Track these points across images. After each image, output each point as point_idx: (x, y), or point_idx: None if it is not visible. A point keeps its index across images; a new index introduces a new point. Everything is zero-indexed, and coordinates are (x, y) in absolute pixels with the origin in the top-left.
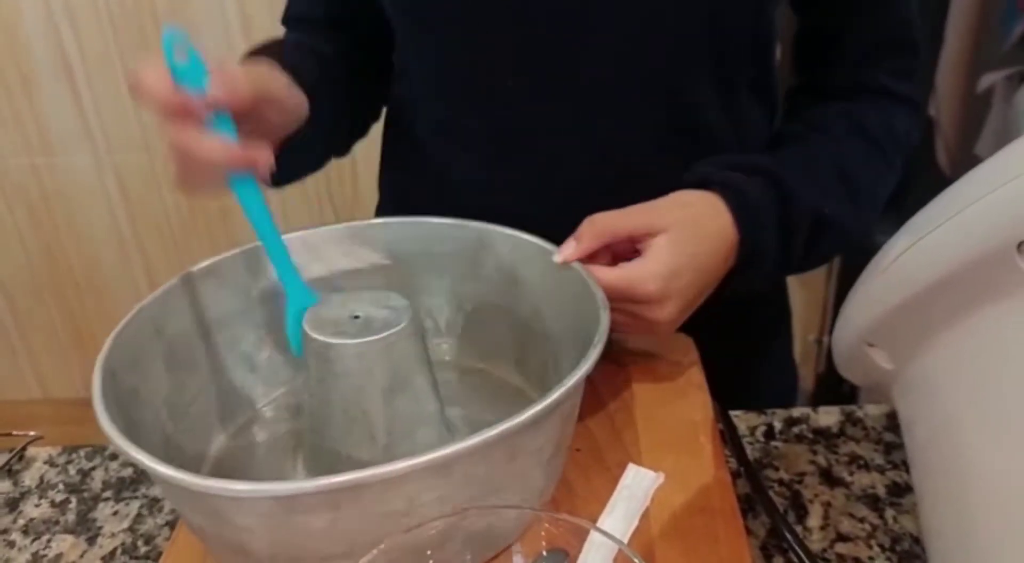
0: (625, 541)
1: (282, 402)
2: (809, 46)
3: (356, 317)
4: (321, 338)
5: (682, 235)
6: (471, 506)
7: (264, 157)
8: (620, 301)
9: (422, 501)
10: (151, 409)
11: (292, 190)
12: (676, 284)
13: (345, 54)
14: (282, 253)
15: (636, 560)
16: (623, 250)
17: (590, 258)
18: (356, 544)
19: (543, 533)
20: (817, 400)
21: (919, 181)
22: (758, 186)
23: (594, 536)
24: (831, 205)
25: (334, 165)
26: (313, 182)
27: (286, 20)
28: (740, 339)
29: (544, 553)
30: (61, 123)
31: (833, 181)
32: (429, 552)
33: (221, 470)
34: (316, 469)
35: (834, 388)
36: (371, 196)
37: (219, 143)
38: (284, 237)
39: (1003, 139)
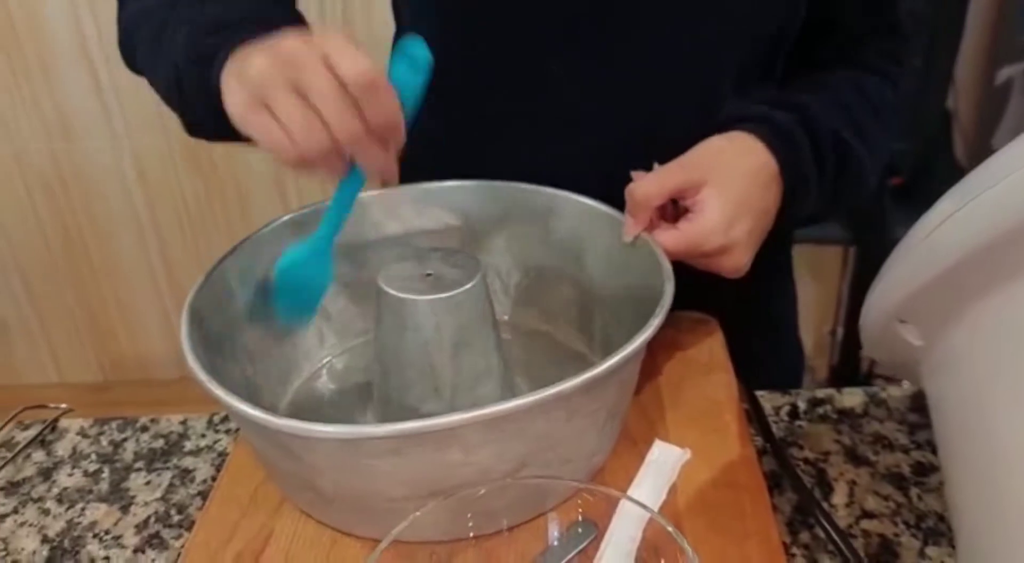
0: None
1: (356, 353)
2: (805, 29)
3: (428, 274)
4: (394, 292)
5: (724, 182)
6: (514, 478)
7: (396, 170)
8: (689, 259)
9: (479, 453)
10: (232, 353)
11: (308, 181)
12: (737, 231)
13: None
14: (336, 225)
15: (668, 527)
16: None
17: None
18: (415, 488)
19: (579, 503)
20: None
21: (936, 173)
22: (784, 115)
23: (623, 508)
24: (847, 132)
25: None
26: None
27: None
28: (741, 306)
29: (577, 524)
30: (80, 108)
31: (847, 122)
32: (469, 514)
33: (295, 413)
34: (384, 419)
35: (849, 379)
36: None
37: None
38: (363, 195)
39: (1021, 131)
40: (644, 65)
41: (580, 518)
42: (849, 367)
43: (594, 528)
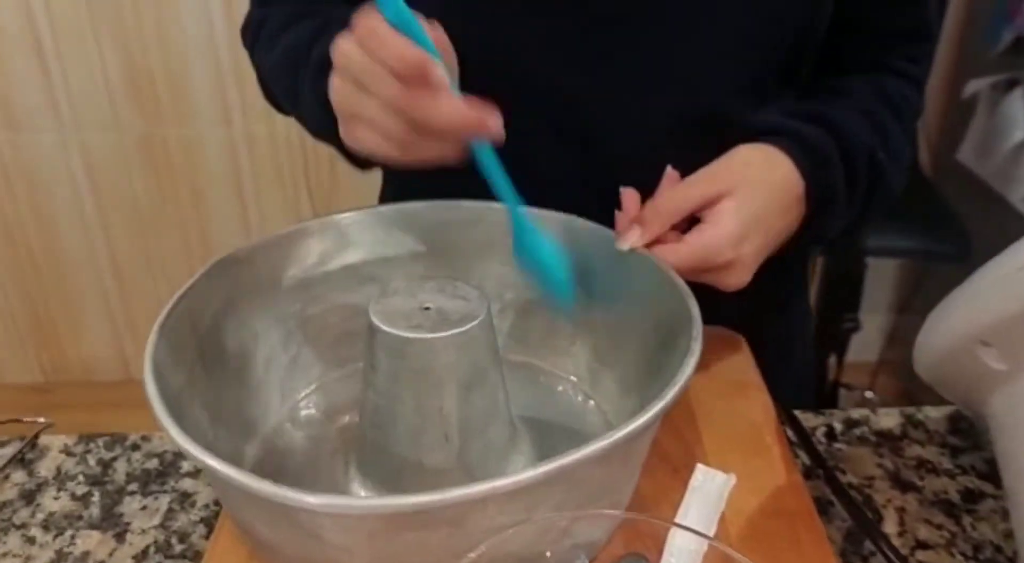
0: (706, 547)
1: (313, 400)
2: (828, 32)
3: (427, 308)
4: (396, 332)
5: (745, 197)
6: (563, 514)
7: (494, 118)
8: (693, 274)
9: (541, 510)
10: (192, 410)
11: (268, 178)
12: (747, 247)
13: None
14: (523, 218)
15: (733, 554)
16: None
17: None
18: (461, 557)
19: (623, 539)
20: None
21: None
22: (814, 131)
23: (674, 540)
24: (879, 148)
25: (311, 151)
26: (290, 168)
27: None
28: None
29: (626, 558)
30: (27, 97)
31: (873, 132)
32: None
33: (262, 475)
34: (377, 472)
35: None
36: (349, 183)
37: (455, 106)
38: (307, 223)
39: (986, 145)
40: (658, 75)
41: (635, 553)
42: (816, 376)
43: (645, 562)
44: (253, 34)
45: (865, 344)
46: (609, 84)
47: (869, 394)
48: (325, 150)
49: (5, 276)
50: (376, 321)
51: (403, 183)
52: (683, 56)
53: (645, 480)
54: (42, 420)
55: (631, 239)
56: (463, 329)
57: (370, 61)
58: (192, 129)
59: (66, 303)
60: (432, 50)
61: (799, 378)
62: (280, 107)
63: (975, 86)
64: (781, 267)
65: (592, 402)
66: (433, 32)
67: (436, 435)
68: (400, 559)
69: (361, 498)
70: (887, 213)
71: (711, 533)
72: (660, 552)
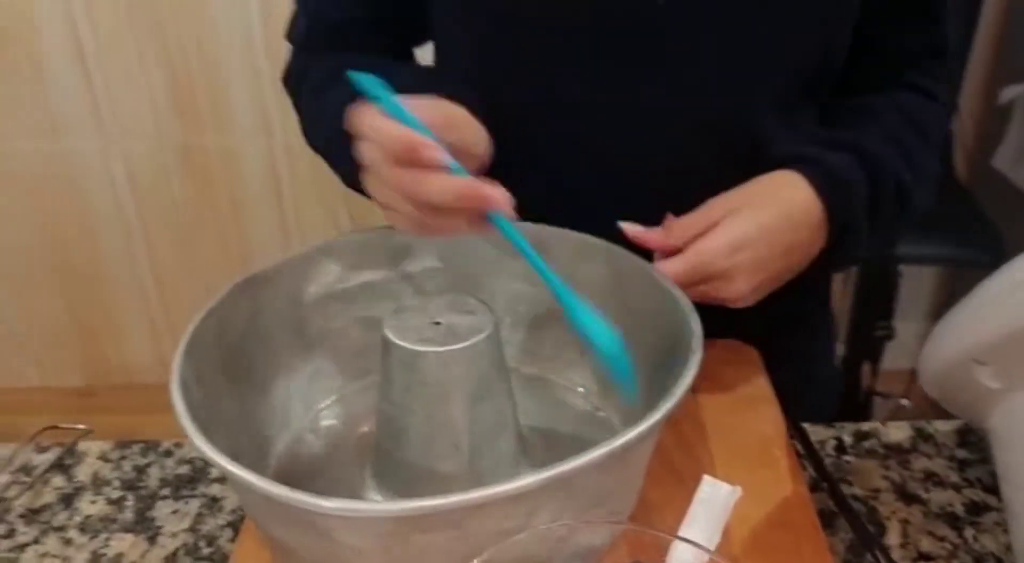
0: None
1: (332, 411)
2: (849, 50)
3: (437, 323)
4: (408, 346)
5: (749, 210)
6: (564, 522)
7: (499, 192)
8: (691, 286)
9: (540, 516)
10: (217, 419)
11: (307, 187)
12: (740, 258)
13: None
14: (566, 293)
15: None
16: None
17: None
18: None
19: (626, 549)
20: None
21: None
22: (839, 157)
23: (676, 551)
24: (904, 174)
25: None
26: (328, 177)
27: (308, 27)
28: (779, 340)
29: None
30: (70, 107)
31: (899, 155)
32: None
33: (284, 482)
34: (391, 480)
35: (849, 398)
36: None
37: (447, 183)
38: (334, 242)
39: (1022, 151)
40: (687, 91)
41: (637, 561)
42: (849, 385)
43: None
44: (296, 84)
45: (900, 352)
46: (637, 100)
47: (904, 402)
48: None
49: (49, 282)
50: (390, 335)
51: None
52: (711, 72)
53: (652, 490)
54: (81, 427)
55: (670, 270)
56: (470, 343)
57: (374, 151)
58: (231, 139)
59: (108, 308)
60: (425, 131)
61: (821, 392)
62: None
63: (1012, 92)
64: (801, 282)
65: (602, 413)
66: (445, 109)
67: (446, 444)
68: (408, 562)
69: (369, 502)
70: (921, 221)
71: (714, 543)
72: (663, 561)
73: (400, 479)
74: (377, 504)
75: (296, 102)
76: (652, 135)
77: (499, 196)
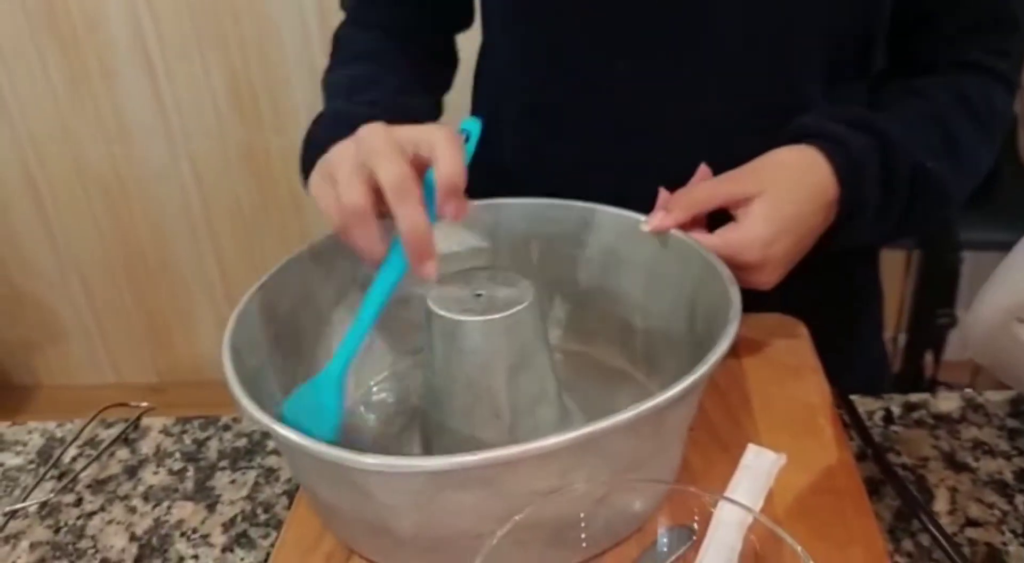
0: (751, 520)
1: (385, 385)
2: (903, 26)
3: (479, 295)
4: (449, 315)
5: (778, 198)
6: (616, 478)
7: (434, 268)
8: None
9: (572, 478)
10: (268, 390)
11: None
12: (775, 250)
13: (415, 35)
14: (360, 336)
15: (775, 528)
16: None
17: (683, 227)
18: (501, 523)
19: (672, 510)
20: None
21: (1000, 177)
22: (860, 138)
23: (722, 514)
24: (933, 160)
25: None
26: None
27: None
28: (825, 315)
29: (674, 529)
30: (138, 112)
31: (935, 139)
32: (573, 532)
33: None
34: (436, 448)
35: (911, 386)
36: None
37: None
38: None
39: None
40: (719, 67)
41: (684, 524)
42: (912, 374)
43: (692, 534)
44: (335, 53)
45: (965, 341)
46: (685, 73)
47: (969, 392)
48: None
49: (122, 280)
50: (432, 306)
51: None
52: (753, 46)
53: (697, 457)
54: (145, 404)
55: (653, 221)
56: (509, 313)
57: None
58: (291, 138)
59: (177, 305)
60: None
61: (870, 366)
62: None
63: None
64: (849, 256)
65: (647, 391)
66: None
67: (487, 413)
68: (442, 520)
69: (404, 457)
70: (982, 206)
71: (758, 507)
72: (707, 525)
73: (444, 447)
74: (410, 460)
75: (330, 66)
76: (694, 110)
77: (431, 267)
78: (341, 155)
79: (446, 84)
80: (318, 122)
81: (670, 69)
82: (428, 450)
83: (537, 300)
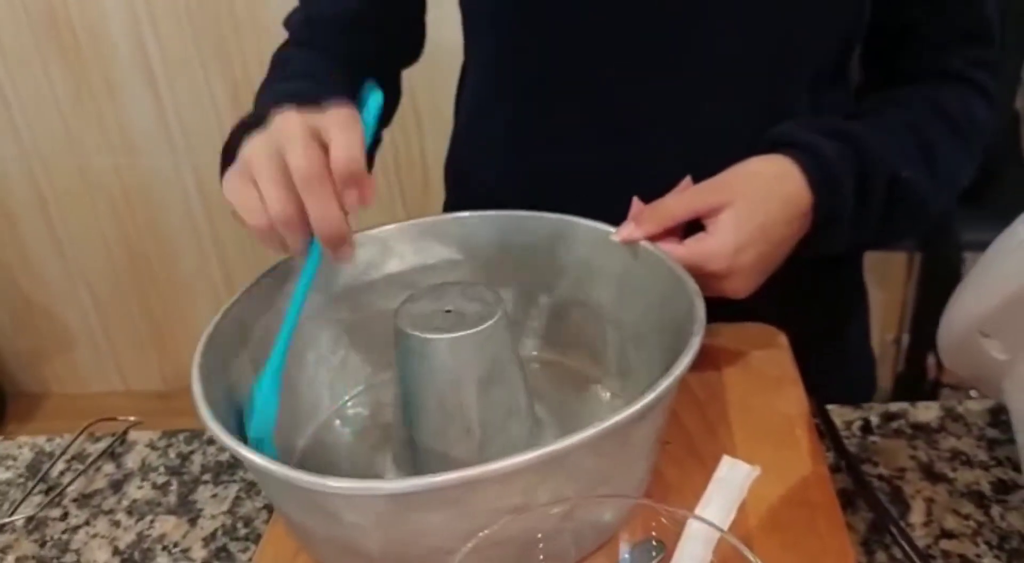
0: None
1: (361, 399)
2: (884, 37)
3: (448, 311)
4: (416, 333)
5: (747, 208)
6: (580, 497)
7: (348, 252)
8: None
9: (537, 495)
10: (240, 410)
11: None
12: (742, 259)
13: (361, 64)
14: (286, 338)
15: (739, 547)
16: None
17: (653, 237)
18: (468, 540)
19: (641, 524)
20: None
21: (1003, 176)
22: (834, 146)
23: (692, 527)
24: (909, 169)
25: (404, 158)
26: (383, 174)
27: (302, 20)
28: (809, 321)
29: (644, 544)
30: (142, 124)
31: (912, 149)
32: (541, 546)
33: (308, 468)
34: (408, 465)
35: (914, 389)
36: (440, 187)
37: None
38: (357, 235)
39: None
40: (707, 73)
41: (652, 538)
42: (914, 376)
43: (662, 548)
44: (269, 70)
45: None
46: (678, 78)
47: (973, 394)
48: (417, 154)
49: (128, 288)
50: (400, 324)
51: (463, 195)
52: (744, 52)
53: (672, 469)
54: (132, 419)
55: (623, 232)
56: (478, 329)
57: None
58: None
59: (183, 313)
60: None
61: (855, 375)
62: None
63: None
64: (831, 263)
65: (620, 401)
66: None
67: (459, 430)
68: (410, 539)
69: (366, 480)
70: (985, 205)
71: (729, 520)
72: (676, 539)
73: (415, 464)
74: (372, 483)
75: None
76: (687, 116)
77: (345, 251)
78: (255, 151)
79: (386, 119)
80: (238, 128)
81: (663, 73)
82: (400, 466)
83: (506, 314)
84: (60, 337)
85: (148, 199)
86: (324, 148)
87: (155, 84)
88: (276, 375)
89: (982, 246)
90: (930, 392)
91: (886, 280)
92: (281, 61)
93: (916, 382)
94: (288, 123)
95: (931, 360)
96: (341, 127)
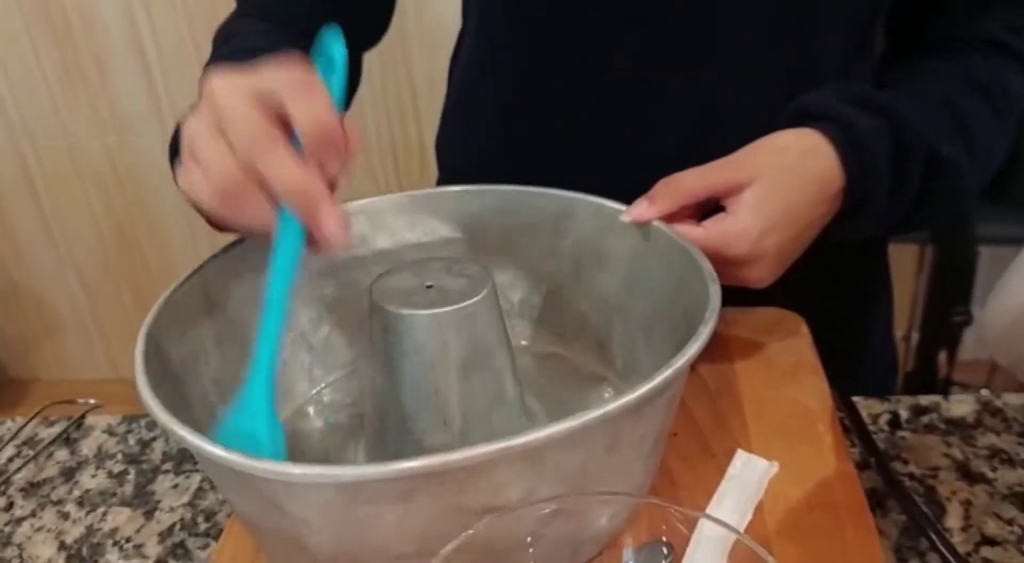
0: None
1: (341, 385)
2: (911, 3)
3: (429, 287)
4: (391, 308)
5: (772, 187)
6: (573, 493)
7: (338, 226)
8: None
9: (508, 495)
10: (199, 386)
11: (359, 168)
12: (767, 244)
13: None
14: (273, 343)
15: (759, 550)
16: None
17: (668, 218)
18: (431, 543)
19: (647, 525)
20: None
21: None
22: (869, 119)
23: (704, 529)
24: (948, 145)
25: (400, 140)
26: (379, 157)
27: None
28: (831, 309)
29: (650, 546)
30: (133, 105)
31: (949, 122)
32: (531, 551)
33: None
34: (380, 456)
35: (924, 386)
36: (436, 172)
37: (294, 168)
38: (347, 206)
39: None
40: (725, 37)
41: (660, 540)
42: (925, 373)
43: (670, 550)
44: (214, 44)
45: (981, 339)
46: (693, 48)
47: (985, 393)
48: (415, 138)
49: (118, 273)
50: (375, 298)
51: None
52: (767, 31)
53: (680, 465)
54: (92, 401)
55: (634, 211)
56: (459, 306)
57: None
58: None
59: None
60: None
61: (878, 366)
62: None
63: None
64: (855, 246)
65: (617, 392)
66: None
67: (434, 418)
68: (358, 537)
69: (305, 465)
70: (1001, 198)
71: (745, 522)
72: (685, 542)
73: (387, 455)
74: (311, 467)
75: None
76: (702, 88)
77: (333, 225)
78: (196, 128)
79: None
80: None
81: (677, 44)
82: (371, 457)
83: (494, 292)
84: (49, 323)
85: (138, 181)
86: (273, 114)
87: (147, 65)
88: (269, 400)
89: (997, 240)
90: (941, 391)
91: (895, 274)
92: (228, 33)
93: (927, 381)
94: (222, 91)
95: (942, 358)
96: (298, 90)
